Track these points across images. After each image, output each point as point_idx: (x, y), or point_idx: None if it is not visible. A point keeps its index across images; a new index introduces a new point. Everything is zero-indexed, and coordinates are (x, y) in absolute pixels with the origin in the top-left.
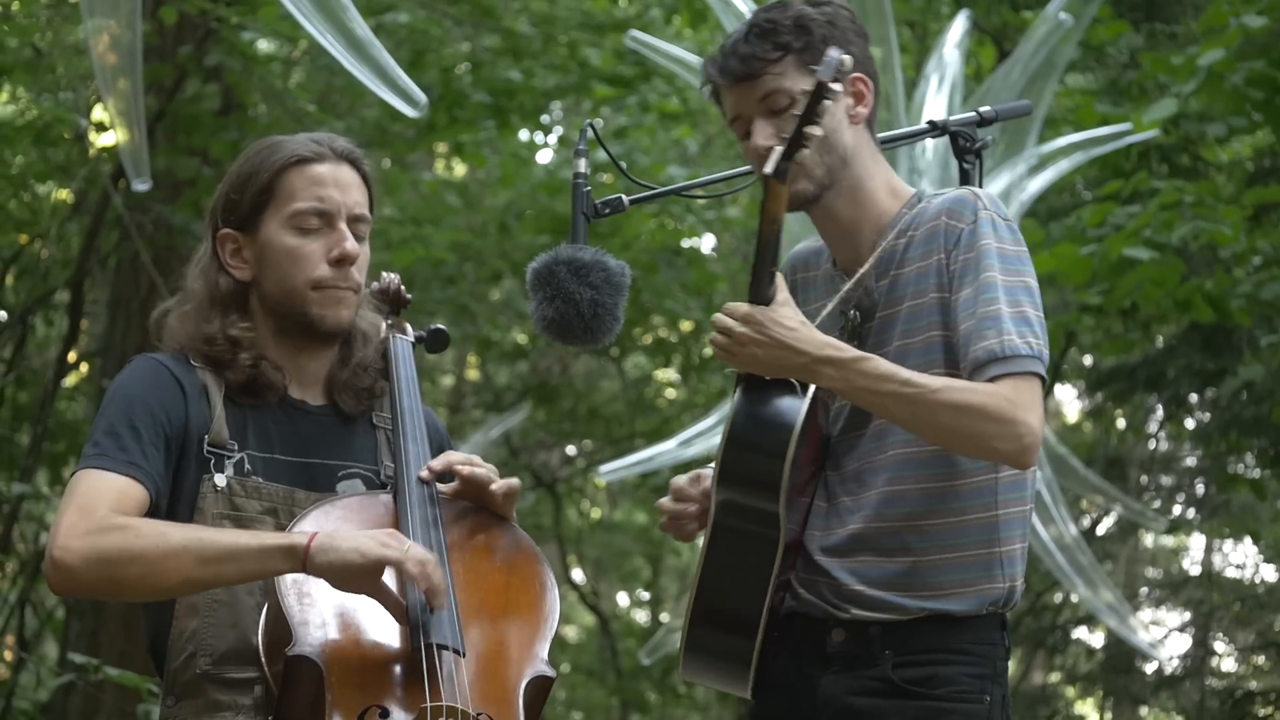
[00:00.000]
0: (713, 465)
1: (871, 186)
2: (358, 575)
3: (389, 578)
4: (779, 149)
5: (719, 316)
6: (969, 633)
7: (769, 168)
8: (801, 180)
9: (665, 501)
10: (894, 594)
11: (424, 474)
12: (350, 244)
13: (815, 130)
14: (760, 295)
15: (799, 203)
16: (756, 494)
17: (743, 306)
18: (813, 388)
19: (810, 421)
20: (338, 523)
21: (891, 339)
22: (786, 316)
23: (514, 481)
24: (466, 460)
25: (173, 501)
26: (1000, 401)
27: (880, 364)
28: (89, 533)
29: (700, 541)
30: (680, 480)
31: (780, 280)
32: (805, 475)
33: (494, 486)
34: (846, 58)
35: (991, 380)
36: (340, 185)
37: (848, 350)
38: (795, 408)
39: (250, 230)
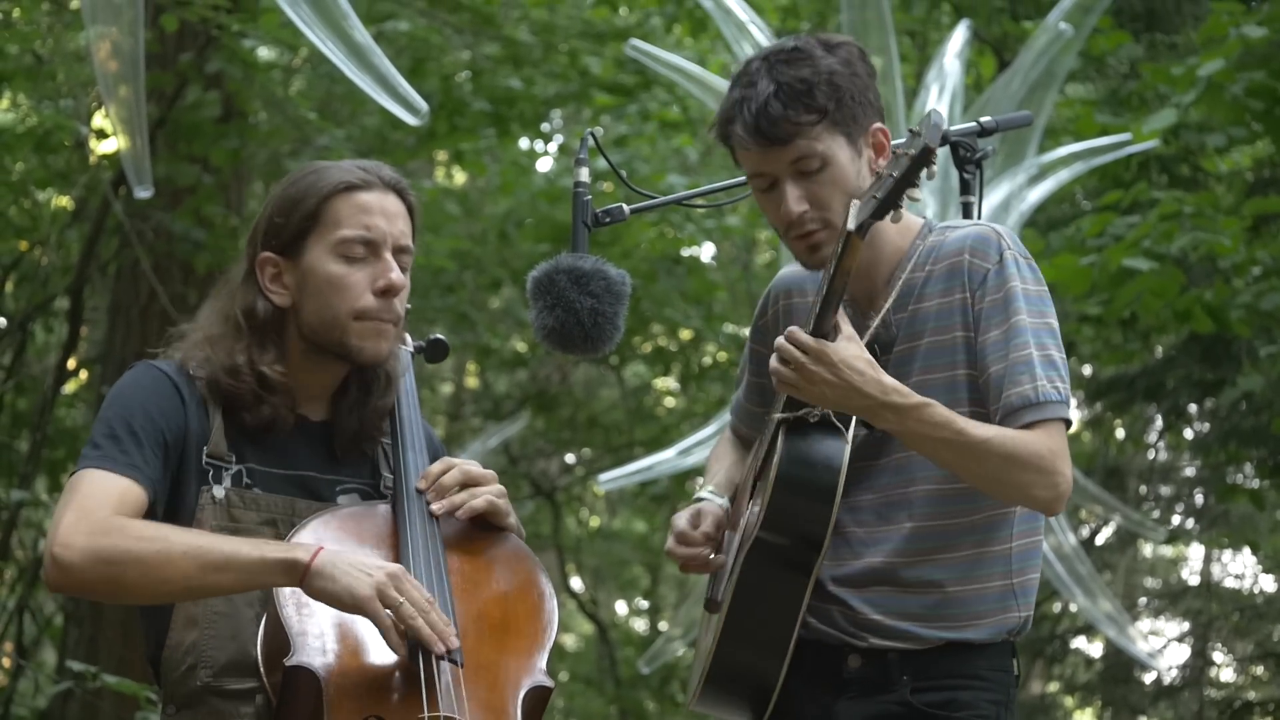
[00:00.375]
0: (750, 505)
1: (884, 227)
2: (348, 610)
3: None
4: (864, 205)
5: (787, 347)
6: (985, 659)
7: (852, 224)
8: (832, 244)
9: (676, 548)
10: (914, 625)
11: (420, 485)
12: (396, 275)
13: (916, 194)
14: (824, 330)
15: (826, 264)
16: (801, 538)
17: (813, 341)
18: (852, 429)
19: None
20: (336, 533)
21: (911, 373)
22: (856, 357)
23: (482, 502)
24: (460, 476)
25: (172, 512)
26: (1043, 451)
27: (937, 412)
28: (90, 532)
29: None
30: (681, 522)
31: (844, 318)
32: None
33: (475, 504)
34: (944, 124)
35: (1025, 426)
36: (387, 215)
37: (910, 396)
38: (840, 450)
39: (293, 256)
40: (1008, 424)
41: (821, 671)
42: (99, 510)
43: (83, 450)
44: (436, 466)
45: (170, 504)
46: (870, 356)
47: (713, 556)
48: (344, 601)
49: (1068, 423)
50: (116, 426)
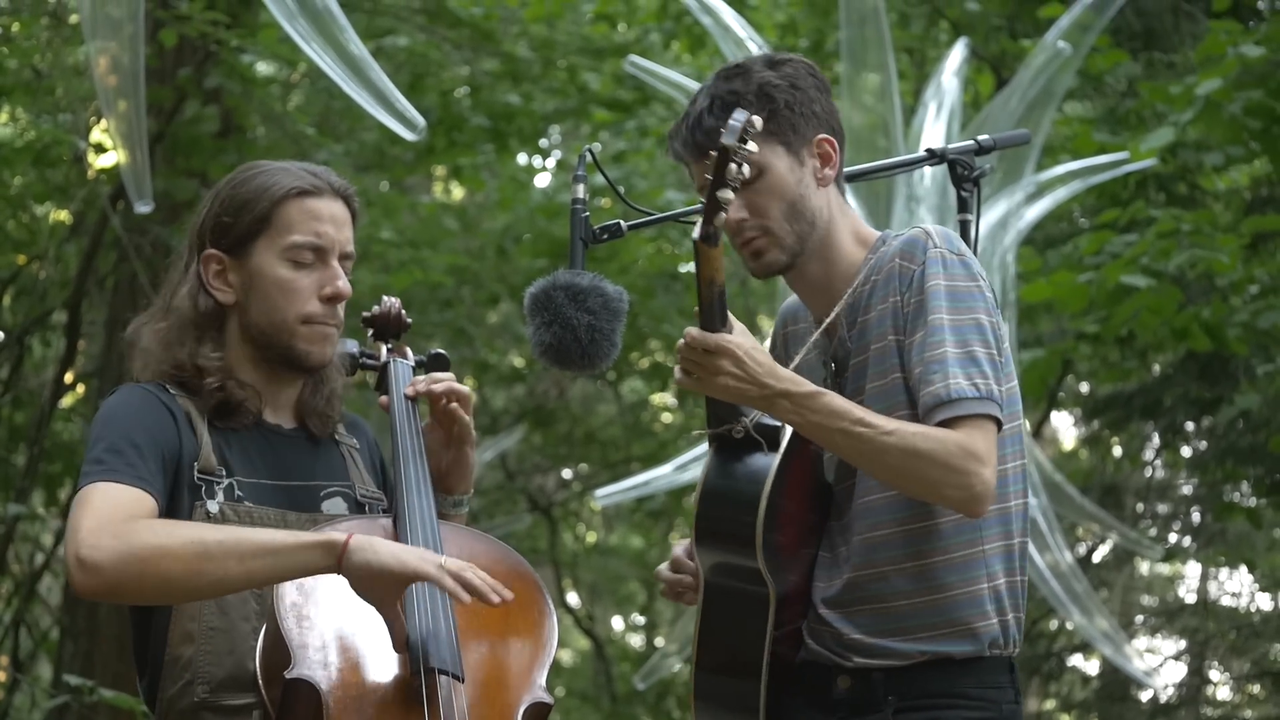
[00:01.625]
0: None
1: (839, 241)
2: (387, 582)
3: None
4: (702, 214)
5: (687, 346)
6: (972, 676)
7: (696, 234)
8: (773, 251)
9: (663, 570)
10: (891, 640)
11: (409, 391)
12: (343, 283)
13: (727, 194)
14: (711, 325)
15: (773, 271)
16: (735, 550)
17: (719, 338)
18: (784, 443)
19: (792, 474)
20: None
21: (864, 385)
22: (754, 348)
23: (461, 390)
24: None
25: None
26: (952, 449)
27: (834, 401)
28: (116, 533)
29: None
30: (678, 550)
31: (733, 320)
32: (804, 527)
33: (454, 385)
34: (757, 119)
35: (940, 425)
36: (335, 222)
37: (804, 385)
38: (767, 465)
39: (239, 255)
40: (925, 424)
41: (816, 693)
42: (116, 515)
43: (84, 469)
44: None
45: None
46: (763, 348)
47: (689, 596)
48: (390, 568)
49: (994, 420)
50: (118, 441)
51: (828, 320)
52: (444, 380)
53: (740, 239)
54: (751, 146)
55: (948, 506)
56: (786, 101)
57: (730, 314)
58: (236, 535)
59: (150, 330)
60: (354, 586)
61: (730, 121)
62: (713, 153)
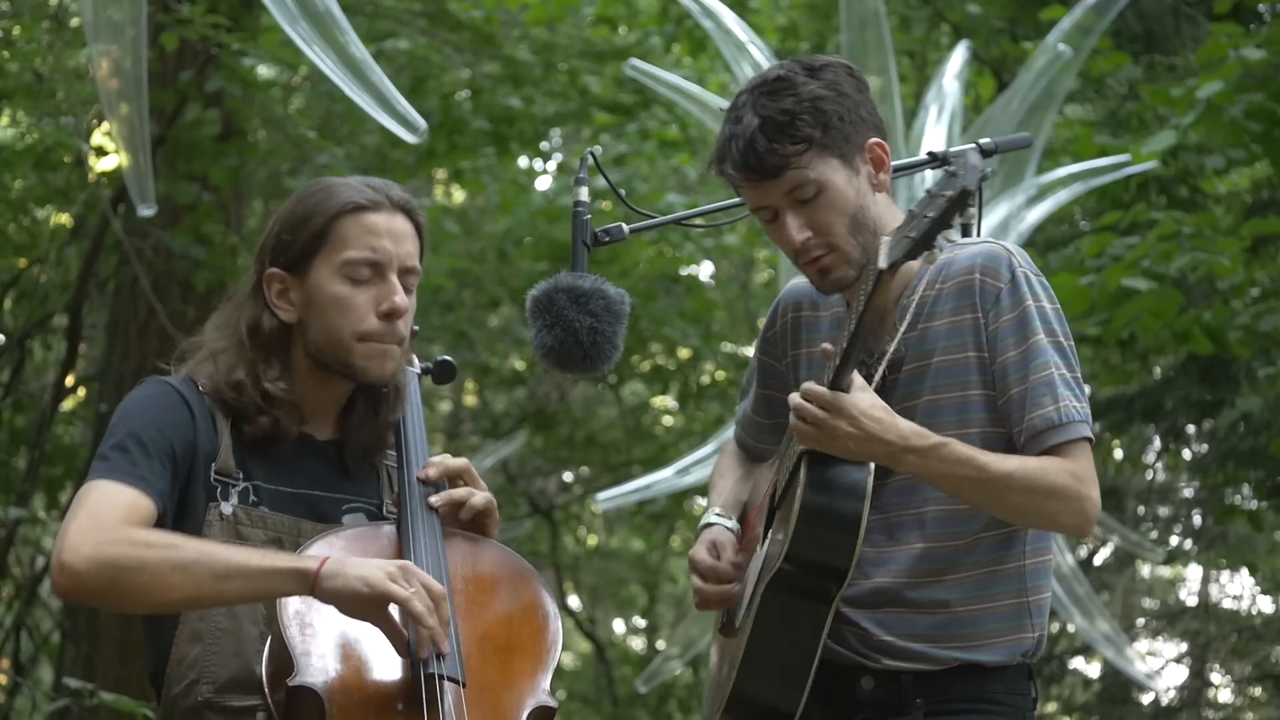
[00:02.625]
0: (771, 534)
1: None
2: (363, 604)
3: (395, 608)
4: (895, 244)
5: (803, 404)
6: (1000, 682)
7: (884, 262)
8: (841, 267)
9: (705, 586)
10: (925, 645)
11: (423, 473)
12: (400, 298)
13: (952, 235)
14: (842, 383)
15: (842, 286)
16: (824, 568)
17: (828, 394)
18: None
19: None
20: (342, 553)
21: (921, 393)
22: (873, 405)
23: (482, 500)
24: (463, 464)
25: (178, 527)
26: (1068, 480)
27: (957, 450)
28: (99, 540)
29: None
30: (703, 556)
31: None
32: None
33: (473, 502)
34: (988, 168)
35: (1050, 448)
36: (394, 236)
37: (929, 438)
38: (863, 479)
39: (299, 273)
40: (1031, 446)
41: (835, 693)
42: (107, 518)
43: (92, 464)
44: (438, 456)
45: (177, 519)
46: (885, 404)
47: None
48: (359, 592)
49: (1092, 442)
50: (125, 439)
51: (901, 329)
52: (478, 500)
53: (805, 258)
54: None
55: (1062, 533)
56: (837, 114)
57: (855, 372)
58: (213, 554)
59: (210, 350)
60: (339, 610)
61: (972, 163)
62: (791, 173)
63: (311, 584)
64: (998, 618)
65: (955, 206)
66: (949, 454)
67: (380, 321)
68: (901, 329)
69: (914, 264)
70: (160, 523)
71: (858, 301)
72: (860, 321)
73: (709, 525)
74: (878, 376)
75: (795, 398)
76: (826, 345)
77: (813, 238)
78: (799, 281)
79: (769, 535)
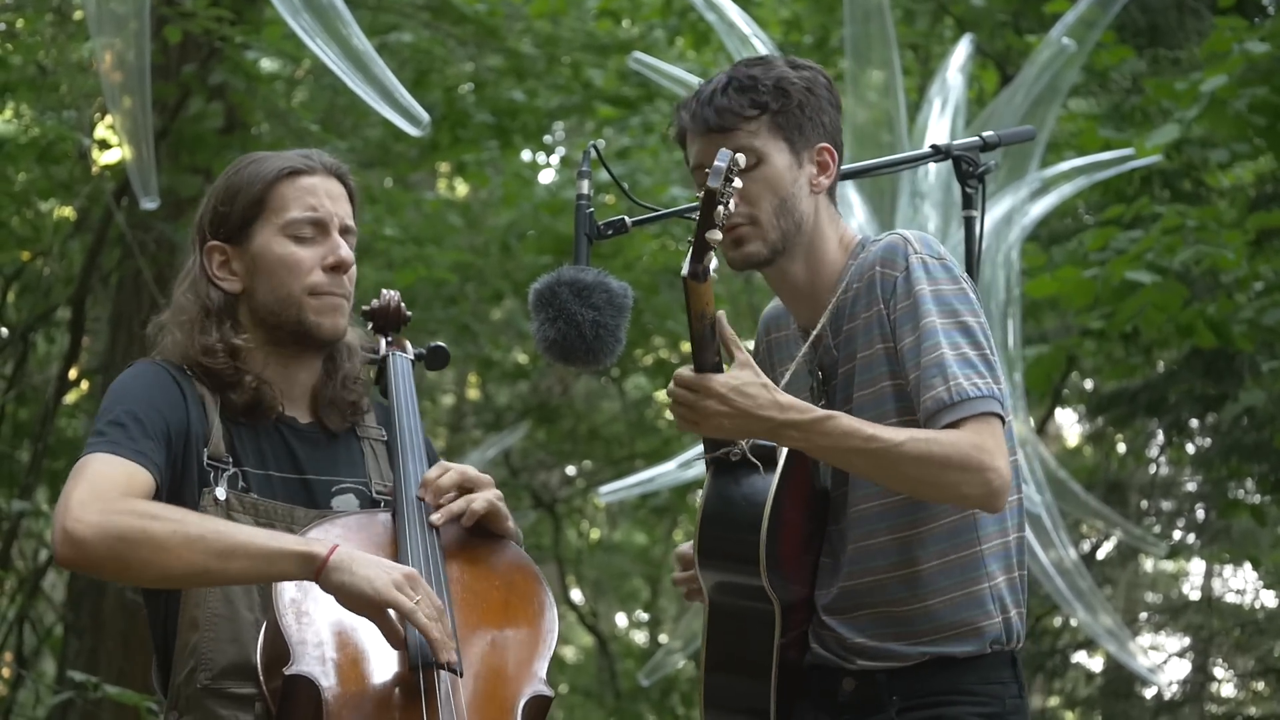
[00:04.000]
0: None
1: (824, 247)
2: (364, 605)
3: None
4: (689, 250)
5: (674, 388)
6: (974, 673)
7: (685, 270)
8: (755, 242)
9: (680, 574)
10: (895, 643)
11: (420, 493)
12: (345, 251)
13: (715, 235)
14: (705, 364)
15: (751, 263)
16: (739, 570)
17: (701, 378)
18: (782, 461)
19: (791, 488)
20: (338, 541)
21: (852, 393)
22: (748, 382)
23: (482, 504)
24: (458, 477)
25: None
26: (965, 449)
27: (842, 422)
28: (104, 509)
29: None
30: (684, 547)
31: (737, 346)
32: (804, 535)
33: (473, 508)
34: (740, 156)
35: (947, 427)
36: (331, 196)
37: (811, 411)
38: (766, 485)
39: (240, 242)
40: (930, 428)
41: (824, 695)
42: (110, 489)
43: (88, 440)
44: (433, 471)
45: (172, 499)
46: (766, 379)
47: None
48: (364, 593)
49: (1000, 417)
50: (121, 415)
51: (815, 331)
52: (478, 504)
53: (726, 224)
54: (737, 183)
55: (968, 506)
56: (799, 101)
57: (735, 342)
58: (221, 530)
59: (173, 325)
60: (337, 601)
61: (716, 163)
62: (738, 134)
63: (317, 571)
64: (960, 608)
65: (706, 207)
66: (833, 427)
67: (328, 275)
68: (815, 332)
69: (838, 264)
70: (157, 497)
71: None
72: (690, 328)
73: None
74: (789, 375)
75: (670, 385)
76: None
77: (739, 205)
78: (773, 305)
79: None
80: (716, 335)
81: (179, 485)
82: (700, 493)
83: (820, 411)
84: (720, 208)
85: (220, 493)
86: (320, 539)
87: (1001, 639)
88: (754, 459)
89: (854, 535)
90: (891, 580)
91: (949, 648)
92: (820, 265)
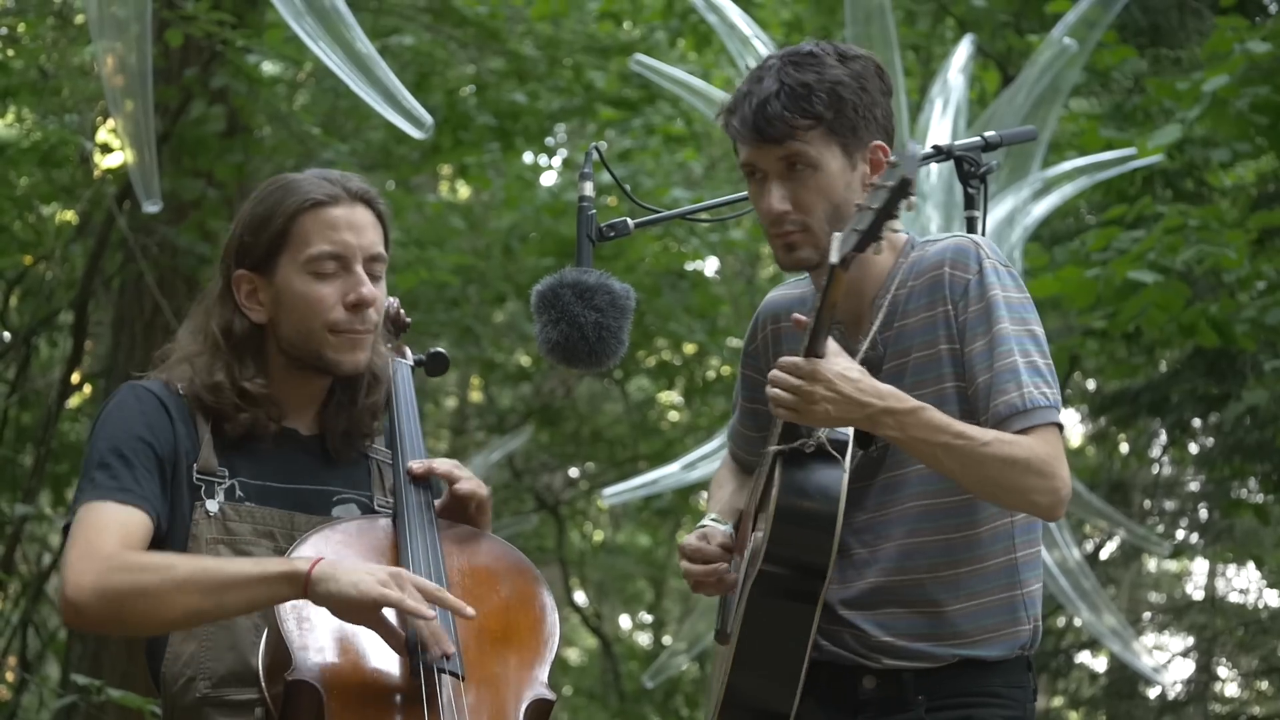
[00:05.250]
0: (753, 535)
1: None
2: (354, 609)
3: (389, 609)
4: (845, 238)
5: (781, 375)
6: (1000, 676)
7: (834, 257)
8: (807, 249)
9: (692, 567)
10: (924, 644)
11: (415, 467)
12: (367, 289)
13: (896, 225)
14: (818, 351)
15: (802, 267)
16: (804, 568)
17: (805, 363)
18: (849, 456)
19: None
20: (338, 547)
21: (901, 390)
22: (849, 368)
23: (480, 489)
24: (453, 464)
25: (169, 528)
26: (1043, 455)
27: (935, 415)
28: (97, 571)
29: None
30: (691, 542)
31: (830, 339)
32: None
33: (460, 487)
34: (920, 153)
35: (1018, 433)
36: (355, 228)
37: (907, 400)
38: (837, 479)
39: (266, 273)
40: (999, 431)
41: (836, 693)
42: (104, 546)
43: (79, 484)
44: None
45: (172, 523)
46: (861, 367)
47: (730, 578)
48: (351, 597)
49: (1061, 428)
50: (107, 455)
51: (873, 329)
52: (469, 483)
53: (777, 229)
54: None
55: (1033, 513)
56: (854, 104)
57: (829, 339)
58: (208, 568)
59: (183, 356)
60: (331, 613)
61: (909, 152)
62: (792, 144)
63: (304, 587)
64: (992, 613)
65: (897, 196)
66: (927, 419)
67: (348, 312)
68: (873, 329)
69: (886, 263)
70: (158, 528)
71: (815, 298)
72: (819, 316)
73: (703, 526)
74: None
75: (774, 371)
76: (798, 315)
77: (791, 212)
78: (776, 294)
79: (751, 538)
80: (830, 328)
81: (175, 503)
82: (772, 487)
83: (915, 402)
84: (912, 198)
85: (212, 506)
86: (306, 555)
87: (1027, 645)
88: (831, 450)
89: (896, 533)
90: (931, 581)
91: (980, 651)
92: (869, 263)
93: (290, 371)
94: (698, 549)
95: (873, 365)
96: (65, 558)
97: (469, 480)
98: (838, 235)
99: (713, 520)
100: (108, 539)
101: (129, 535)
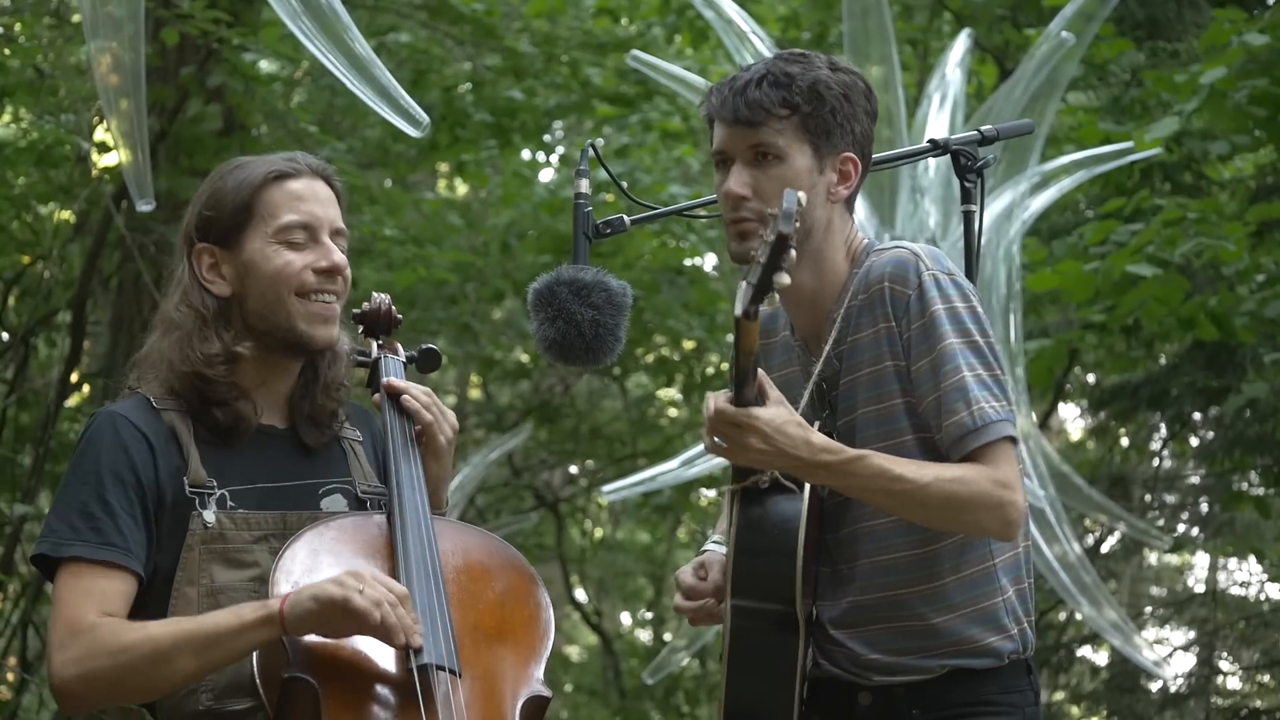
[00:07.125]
0: (721, 572)
1: (832, 255)
2: (325, 620)
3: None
4: (745, 293)
5: (714, 420)
6: (995, 684)
7: (738, 309)
8: (756, 240)
9: (683, 603)
10: (910, 657)
11: (393, 381)
12: (338, 255)
13: (783, 278)
14: (745, 399)
15: (748, 258)
16: (772, 596)
17: (746, 415)
18: (808, 487)
19: (810, 505)
20: (332, 544)
21: (855, 406)
22: (786, 421)
23: (424, 415)
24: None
25: (163, 551)
26: (986, 486)
27: (871, 462)
28: (80, 658)
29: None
30: (686, 576)
31: (767, 382)
32: (816, 546)
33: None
34: (803, 196)
35: (970, 453)
36: (320, 200)
37: (842, 452)
38: (795, 509)
39: (229, 247)
40: (953, 453)
41: (836, 708)
42: (83, 620)
43: (57, 527)
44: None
45: (161, 542)
46: (799, 418)
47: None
48: (319, 611)
49: (1014, 440)
50: (88, 500)
51: (827, 348)
52: (417, 394)
53: (733, 214)
54: (798, 224)
55: (986, 536)
56: (832, 107)
57: (768, 383)
58: (188, 632)
59: (168, 342)
60: (321, 635)
61: (784, 206)
62: (764, 130)
63: (281, 623)
64: (975, 623)
65: (777, 251)
66: (862, 468)
67: (318, 277)
68: (827, 346)
69: (842, 272)
70: (141, 580)
71: (732, 350)
72: (736, 364)
73: (704, 551)
74: (808, 392)
75: (707, 413)
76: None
77: (750, 199)
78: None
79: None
80: (757, 374)
81: (169, 522)
82: (729, 526)
83: (852, 452)
84: (791, 251)
85: (209, 516)
86: (275, 594)
87: (1019, 650)
88: (786, 482)
89: (867, 549)
90: (910, 595)
91: (968, 661)
92: (825, 272)
93: (259, 358)
94: (691, 586)
95: (830, 381)
96: (49, 639)
97: (425, 410)
98: (742, 285)
99: (715, 543)
100: (87, 611)
101: (109, 601)
